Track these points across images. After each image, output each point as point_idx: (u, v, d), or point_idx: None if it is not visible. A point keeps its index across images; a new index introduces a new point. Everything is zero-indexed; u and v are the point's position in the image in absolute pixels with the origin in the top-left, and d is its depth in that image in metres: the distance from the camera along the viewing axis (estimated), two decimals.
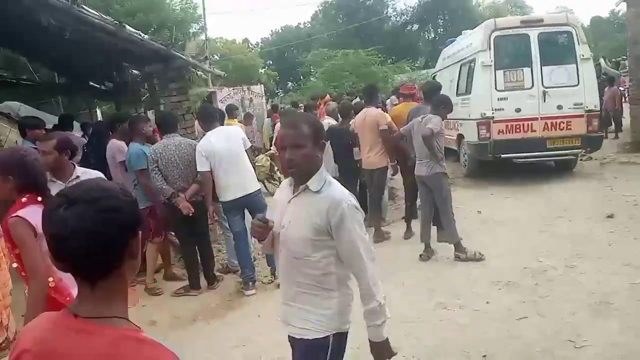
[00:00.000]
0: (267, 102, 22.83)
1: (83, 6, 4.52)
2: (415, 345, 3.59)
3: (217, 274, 5.42)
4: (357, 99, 10.83)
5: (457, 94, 9.08)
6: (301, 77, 31.93)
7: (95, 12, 4.87)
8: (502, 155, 7.95)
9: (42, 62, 11.70)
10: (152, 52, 5.92)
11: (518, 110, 7.91)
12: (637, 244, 5.02)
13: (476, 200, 7.42)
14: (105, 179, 2.96)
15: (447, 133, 7.93)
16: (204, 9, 23.46)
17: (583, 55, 7.93)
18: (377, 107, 6.55)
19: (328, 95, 12.56)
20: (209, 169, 4.80)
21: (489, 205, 7.07)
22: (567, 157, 8.19)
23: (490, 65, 7.97)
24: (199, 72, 8.10)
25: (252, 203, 4.96)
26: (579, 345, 3.32)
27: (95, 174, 3.05)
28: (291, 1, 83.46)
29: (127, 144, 5.22)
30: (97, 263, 1.07)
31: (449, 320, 3.91)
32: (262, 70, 38.36)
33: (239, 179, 4.86)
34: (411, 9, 40.63)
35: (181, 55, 6.27)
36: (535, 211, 6.58)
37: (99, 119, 13.15)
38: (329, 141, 7.14)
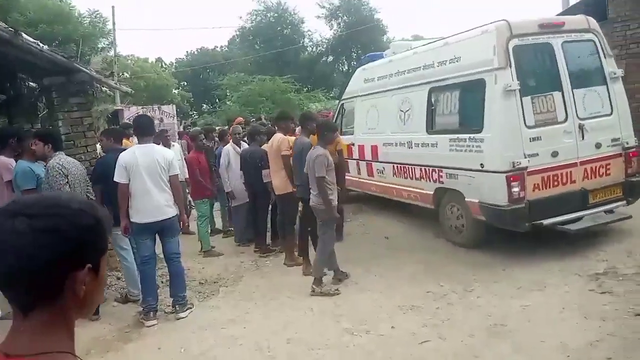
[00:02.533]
0: (180, 123, 22.21)
1: None
2: None
3: (115, 303, 5.07)
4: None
5: (433, 131, 6.44)
6: (217, 100, 31.52)
7: None
8: (544, 222, 5.38)
9: None
10: (51, 63, 5.52)
11: (555, 154, 5.45)
12: (528, 269, 5.39)
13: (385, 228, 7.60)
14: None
15: (413, 185, 6.89)
16: (113, 23, 22.65)
17: (614, 73, 5.80)
18: (287, 134, 6.59)
19: (240, 118, 12.21)
20: (127, 182, 4.55)
21: (395, 232, 7.29)
22: (619, 218, 5.80)
23: (515, 90, 5.28)
24: (104, 88, 7.69)
25: (167, 228, 4.76)
26: None
27: None
28: (208, 23, 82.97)
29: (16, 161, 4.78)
30: (21, 290, 0.89)
31: (356, 346, 3.93)
32: (176, 91, 37.38)
33: (157, 202, 4.62)
34: (326, 41, 41.93)
35: (84, 69, 5.91)
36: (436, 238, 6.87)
37: None
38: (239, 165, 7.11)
